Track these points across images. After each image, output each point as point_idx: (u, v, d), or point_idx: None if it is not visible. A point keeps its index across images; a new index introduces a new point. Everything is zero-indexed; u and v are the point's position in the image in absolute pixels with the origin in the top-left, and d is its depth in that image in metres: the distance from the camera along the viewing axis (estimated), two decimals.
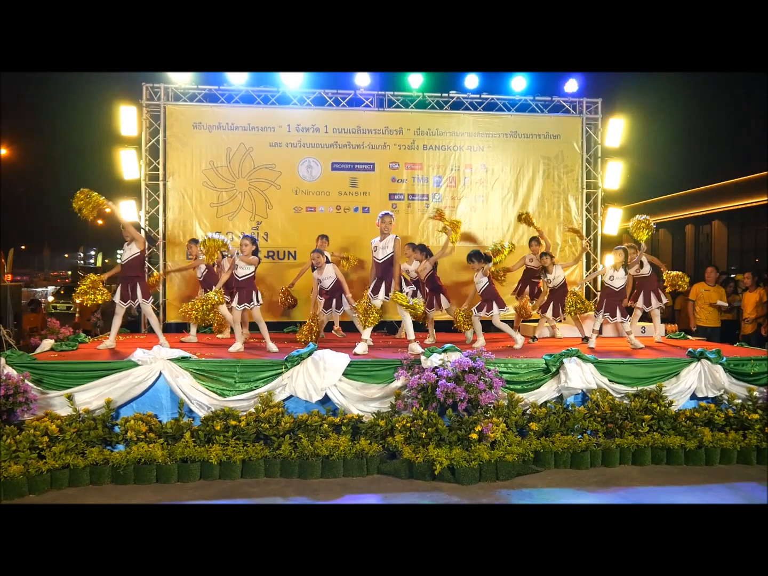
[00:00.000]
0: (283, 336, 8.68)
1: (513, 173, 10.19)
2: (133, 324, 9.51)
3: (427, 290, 7.98)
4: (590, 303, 8.11)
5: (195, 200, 9.54)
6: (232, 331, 7.63)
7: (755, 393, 6.38)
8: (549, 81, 10.63)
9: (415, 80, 9.77)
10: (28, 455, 5.11)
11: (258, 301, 7.02)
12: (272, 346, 6.89)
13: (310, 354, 5.97)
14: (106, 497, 4.98)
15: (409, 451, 5.47)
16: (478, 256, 7.51)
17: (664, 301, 8.13)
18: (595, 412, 6.06)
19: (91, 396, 5.67)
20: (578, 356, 6.27)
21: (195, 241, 8.27)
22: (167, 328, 9.02)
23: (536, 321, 8.74)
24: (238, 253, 7.11)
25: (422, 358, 6.01)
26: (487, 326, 7.76)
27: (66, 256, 71.03)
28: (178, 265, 9.16)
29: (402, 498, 5.03)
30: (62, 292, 24.85)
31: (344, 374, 5.94)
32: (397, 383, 5.95)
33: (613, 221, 10.27)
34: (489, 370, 5.78)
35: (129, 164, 9.30)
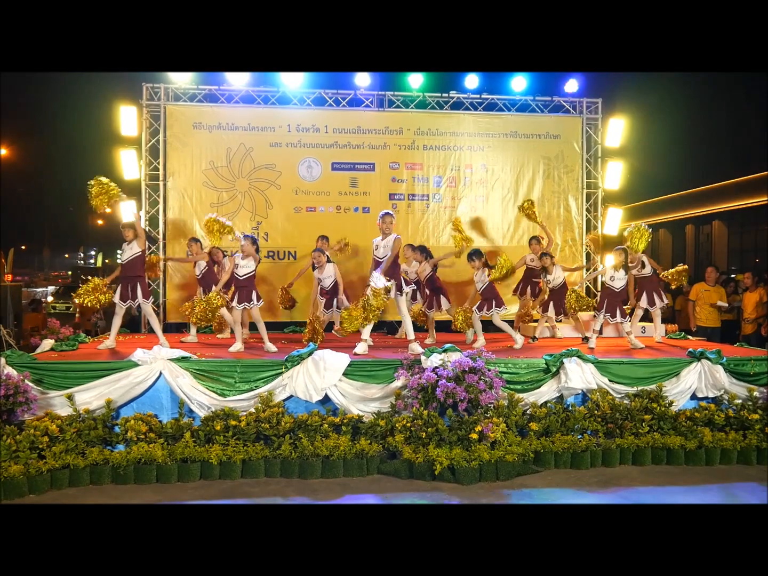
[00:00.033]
0: (284, 336, 8.69)
1: (513, 173, 10.20)
2: (133, 324, 9.51)
3: (427, 291, 7.98)
4: (591, 300, 8.09)
5: (195, 200, 9.54)
6: (232, 331, 7.63)
7: (755, 393, 6.38)
8: (549, 81, 10.65)
9: (416, 80, 9.77)
10: (29, 455, 5.11)
11: (258, 300, 7.02)
12: (270, 346, 6.89)
13: (310, 354, 5.98)
14: (106, 497, 4.98)
15: (409, 451, 5.47)
16: (478, 255, 7.51)
17: (666, 301, 8.16)
18: (596, 412, 6.06)
19: (91, 396, 5.67)
20: (578, 356, 6.27)
21: (195, 239, 8.27)
22: (167, 328, 9.02)
23: (536, 321, 8.74)
24: (238, 253, 7.11)
25: (422, 358, 6.01)
26: (487, 326, 7.76)
27: (66, 256, 71.02)
28: (182, 258, 8.93)
29: (402, 498, 5.03)
30: (61, 291, 24.84)
31: (344, 374, 5.94)
32: (397, 383, 5.95)
33: (613, 221, 10.26)
34: (489, 370, 5.78)
35: (129, 164, 9.30)
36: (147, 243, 7.30)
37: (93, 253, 60.95)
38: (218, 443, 5.48)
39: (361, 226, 9.63)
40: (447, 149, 10.10)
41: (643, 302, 8.00)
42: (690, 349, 6.71)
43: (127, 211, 9.23)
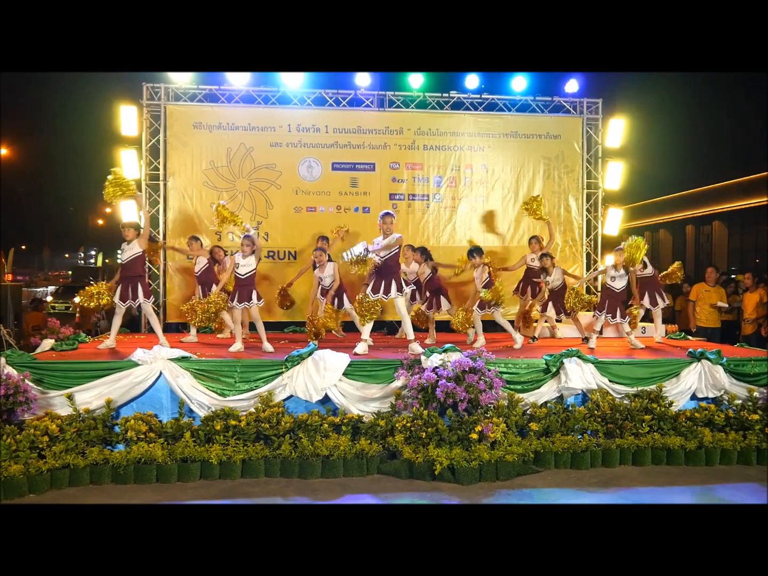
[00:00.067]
0: (285, 336, 8.69)
1: (513, 173, 10.19)
2: (133, 324, 9.51)
3: (427, 293, 7.98)
4: (590, 298, 8.08)
5: (195, 200, 9.54)
6: (232, 331, 7.63)
7: (755, 393, 6.38)
8: (549, 81, 10.65)
9: (416, 80, 9.77)
10: (29, 455, 5.11)
11: (258, 300, 7.02)
12: (268, 346, 6.89)
13: (310, 354, 5.98)
14: (106, 497, 4.98)
15: (409, 451, 5.47)
16: (479, 253, 7.52)
17: (667, 301, 8.17)
18: (596, 412, 6.05)
19: (91, 396, 5.67)
20: (578, 356, 6.27)
21: (195, 237, 8.28)
22: (167, 328, 9.02)
23: (536, 321, 8.74)
24: (238, 252, 7.11)
25: (422, 358, 6.01)
26: (487, 326, 7.76)
27: (66, 256, 71.03)
28: (183, 249, 8.75)
29: (402, 498, 5.03)
30: (61, 291, 24.81)
31: (344, 374, 5.94)
32: (397, 383, 5.95)
33: (613, 221, 10.27)
34: (489, 370, 5.78)
35: (129, 164, 9.29)
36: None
37: (93, 253, 61.02)
38: (218, 443, 5.48)
39: (361, 226, 9.62)
40: (447, 149, 10.10)
41: (646, 302, 8.00)
42: (690, 350, 6.71)
43: (128, 210, 9.28)
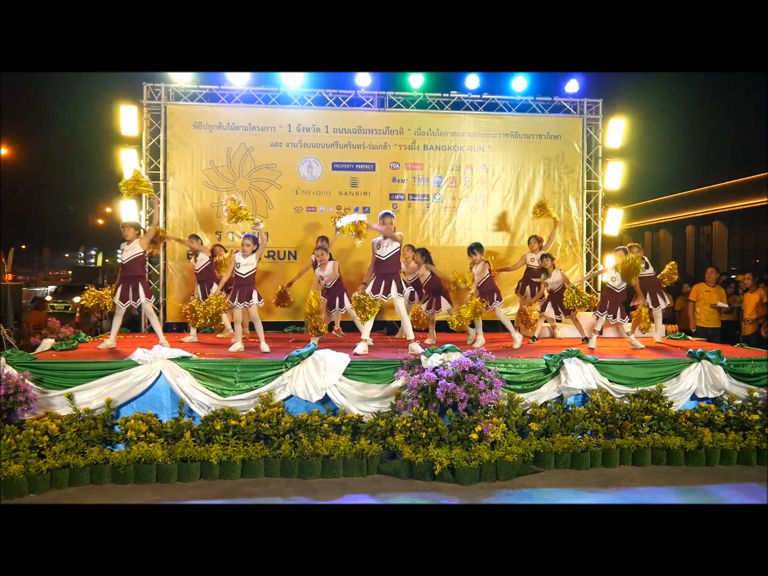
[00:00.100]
0: (285, 336, 8.69)
1: (513, 173, 10.20)
2: (133, 324, 9.51)
3: (427, 292, 7.98)
4: (590, 297, 8.07)
5: (195, 200, 9.55)
6: (232, 330, 7.63)
7: (755, 394, 6.38)
8: (550, 81, 10.66)
9: (416, 80, 9.78)
10: (28, 454, 5.11)
11: (258, 299, 7.02)
12: (265, 347, 6.88)
13: (310, 354, 5.98)
14: (106, 497, 4.98)
15: (409, 451, 5.47)
16: (479, 249, 7.54)
17: (668, 301, 8.16)
18: (596, 412, 6.05)
19: (91, 395, 5.67)
20: (578, 356, 6.27)
21: (196, 236, 8.29)
22: (167, 328, 9.02)
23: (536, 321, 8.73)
24: (238, 252, 7.11)
25: (422, 358, 6.01)
26: (487, 326, 7.76)
27: (66, 255, 71.05)
28: (185, 241, 8.53)
29: (402, 498, 5.03)
30: (60, 291, 24.77)
31: (344, 374, 5.94)
32: (397, 383, 5.95)
33: (613, 222, 10.27)
34: (489, 371, 5.78)
35: (129, 164, 9.29)
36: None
37: (93, 252, 61.02)
38: (218, 443, 5.48)
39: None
40: (447, 149, 10.10)
41: (648, 302, 7.99)
42: (690, 350, 6.71)
43: (128, 210, 9.29)
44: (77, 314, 12.72)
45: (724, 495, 5.18)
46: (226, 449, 5.42)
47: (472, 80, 9.94)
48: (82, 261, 63.30)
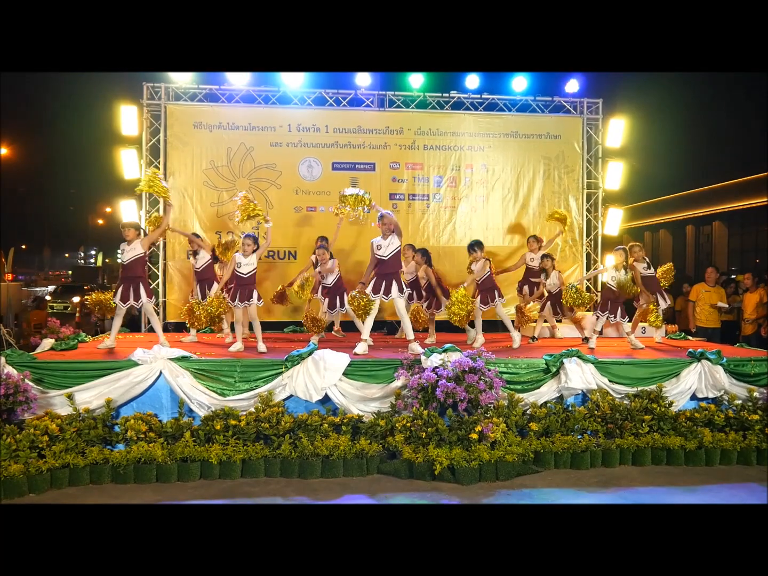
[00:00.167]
0: (284, 336, 8.69)
1: (513, 173, 10.20)
2: (133, 323, 9.51)
3: (424, 293, 7.98)
4: (589, 296, 8.06)
5: (195, 200, 9.55)
6: (232, 330, 7.63)
7: (755, 394, 6.38)
8: (550, 81, 10.66)
9: (416, 80, 9.78)
10: (28, 454, 5.11)
11: (258, 299, 7.01)
12: (262, 347, 6.87)
13: (310, 354, 5.98)
14: (106, 497, 4.98)
15: (409, 451, 5.47)
16: (480, 246, 7.55)
17: (668, 302, 8.16)
18: (595, 412, 6.05)
19: (91, 395, 5.67)
20: (578, 356, 6.27)
21: (196, 235, 8.30)
22: (167, 328, 9.02)
23: (535, 321, 8.73)
24: (238, 252, 7.11)
25: (422, 358, 6.01)
26: (487, 326, 7.76)
27: (66, 255, 71.04)
28: (187, 233, 8.53)
29: (402, 498, 5.03)
30: (59, 291, 24.75)
31: (344, 374, 5.94)
32: (397, 383, 5.95)
33: (613, 222, 10.27)
34: (489, 370, 5.78)
35: (129, 164, 9.31)
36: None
37: (93, 252, 61.05)
38: (218, 443, 5.48)
39: (361, 226, 9.61)
40: (447, 149, 10.10)
41: (654, 298, 7.97)
42: (690, 350, 6.71)
43: (128, 210, 9.29)
44: (77, 314, 12.72)
45: (724, 495, 5.18)
46: (226, 449, 5.42)
47: (472, 80, 9.95)
48: (82, 261, 63.33)
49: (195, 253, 8.09)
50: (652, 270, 8.01)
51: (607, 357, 6.66)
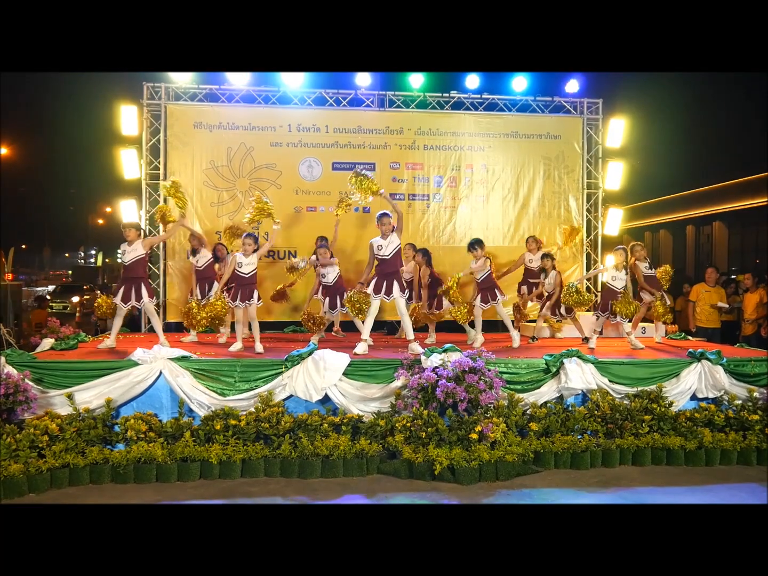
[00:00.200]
0: (284, 336, 8.69)
1: (514, 173, 10.20)
2: (133, 323, 9.51)
3: (422, 293, 7.99)
4: (590, 296, 8.06)
5: (195, 200, 9.54)
6: (232, 330, 7.63)
7: (755, 394, 6.38)
8: (550, 81, 10.66)
9: (416, 80, 9.78)
10: (28, 454, 5.11)
11: (258, 300, 7.01)
12: (259, 347, 6.85)
13: (310, 354, 5.98)
14: (106, 496, 4.98)
15: (409, 451, 5.47)
16: (480, 244, 7.56)
17: (668, 302, 8.15)
18: (596, 412, 6.05)
19: (91, 395, 5.67)
20: (578, 356, 6.27)
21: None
22: (167, 328, 9.01)
23: (534, 321, 8.74)
24: (239, 252, 7.11)
25: (422, 358, 6.01)
26: (487, 326, 7.75)
27: (66, 255, 71.05)
28: (196, 233, 8.32)
29: (402, 498, 5.03)
30: (59, 290, 24.75)
31: (344, 374, 5.94)
32: (397, 383, 5.95)
33: (613, 222, 10.27)
34: (489, 370, 5.78)
35: (129, 164, 9.31)
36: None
37: (93, 252, 61.06)
38: (218, 443, 5.48)
39: (361, 227, 9.63)
40: (448, 149, 10.10)
41: (660, 295, 7.96)
42: (690, 350, 6.71)
43: (128, 210, 9.29)
44: (77, 314, 12.73)
45: (724, 495, 5.18)
46: (226, 449, 5.42)
47: (472, 80, 9.95)
48: (82, 261, 63.36)
49: (195, 252, 8.08)
50: (653, 271, 8.01)
51: (607, 357, 6.66)
